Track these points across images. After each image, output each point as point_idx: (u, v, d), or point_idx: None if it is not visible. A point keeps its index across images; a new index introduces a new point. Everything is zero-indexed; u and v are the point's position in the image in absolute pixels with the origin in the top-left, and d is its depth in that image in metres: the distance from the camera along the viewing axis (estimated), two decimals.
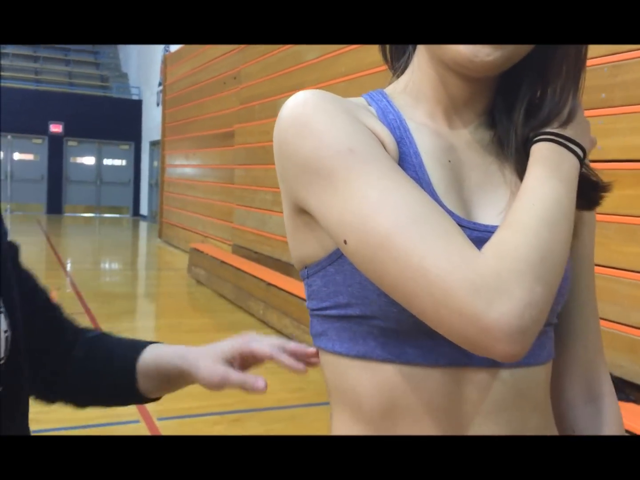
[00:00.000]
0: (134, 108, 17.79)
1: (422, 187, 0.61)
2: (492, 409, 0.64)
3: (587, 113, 2.57)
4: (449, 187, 0.65)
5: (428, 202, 0.58)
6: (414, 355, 0.62)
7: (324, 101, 0.62)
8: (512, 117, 0.67)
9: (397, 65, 0.74)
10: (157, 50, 14.48)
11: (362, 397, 0.65)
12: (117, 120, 17.51)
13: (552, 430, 0.72)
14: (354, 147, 0.59)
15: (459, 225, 0.60)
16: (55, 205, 17.53)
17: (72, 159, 17.97)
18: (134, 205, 18.24)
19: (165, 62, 11.91)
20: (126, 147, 18.17)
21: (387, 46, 0.75)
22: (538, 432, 0.68)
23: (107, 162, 18.26)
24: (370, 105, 0.69)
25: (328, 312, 0.66)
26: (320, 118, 0.60)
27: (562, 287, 0.66)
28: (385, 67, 0.76)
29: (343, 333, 0.65)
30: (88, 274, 8.24)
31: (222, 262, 6.67)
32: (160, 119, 12.14)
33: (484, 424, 0.64)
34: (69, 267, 8.86)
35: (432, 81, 0.68)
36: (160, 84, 13.14)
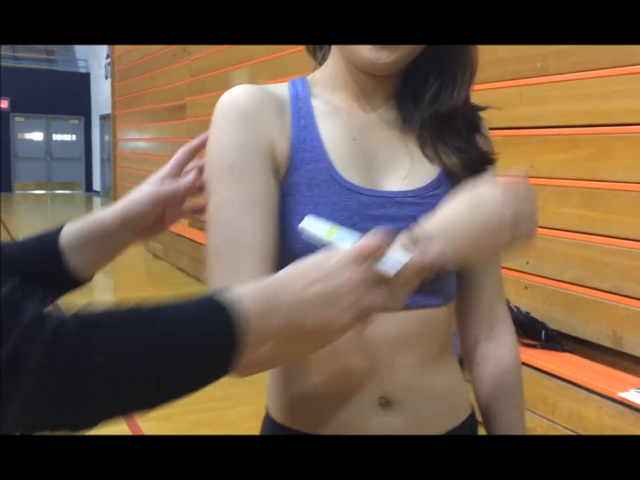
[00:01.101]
0: (82, 81, 17.39)
1: (322, 165, 0.76)
2: (400, 342, 0.78)
3: (523, 82, 2.75)
4: (352, 162, 0.79)
5: (247, 233, 0.72)
6: None
7: (234, 109, 0.75)
8: (418, 99, 0.81)
9: (320, 54, 0.87)
10: None
11: None
12: (65, 94, 17.12)
13: (450, 356, 0.86)
14: (233, 165, 0.74)
15: (358, 192, 0.76)
16: (4, 183, 17.11)
17: (19, 135, 17.55)
18: (87, 181, 17.97)
19: None
20: (75, 121, 17.81)
21: None
22: (440, 356, 0.83)
23: (56, 137, 17.90)
24: (289, 91, 0.81)
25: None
26: (221, 130, 0.75)
27: None
28: None
29: None
30: None
31: (179, 235, 6.71)
32: (110, 92, 11.96)
33: (394, 353, 0.78)
34: None
35: (344, 74, 0.81)
36: (108, 57, 12.89)
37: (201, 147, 0.84)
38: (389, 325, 0.77)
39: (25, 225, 11.16)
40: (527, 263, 3.17)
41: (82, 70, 17.89)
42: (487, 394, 0.89)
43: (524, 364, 2.78)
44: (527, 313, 3.09)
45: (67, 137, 17.98)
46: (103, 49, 14.34)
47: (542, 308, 3.12)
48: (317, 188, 0.76)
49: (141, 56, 9.74)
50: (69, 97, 17.18)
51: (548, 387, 2.72)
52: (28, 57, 18.18)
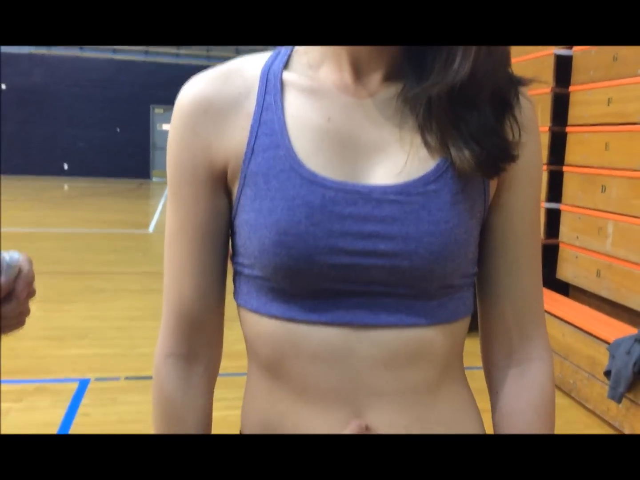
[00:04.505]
0: None
1: (281, 152, 0.66)
2: (382, 363, 0.67)
3: None
4: (321, 148, 0.66)
5: (174, 260, 0.73)
6: (298, 312, 0.67)
7: (177, 114, 0.70)
8: (424, 70, 0.65)
9: None
10: None
11: (257, 346, 0.71)
12: None
13: (456, 384, 0.73)
14: (171, 183, 0.71)
15: (323, 185, 0.65)
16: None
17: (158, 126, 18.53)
18: None
19: None
20: None
21: None
22: (438, 385, 0.70)
23: None
24: (265, 62, 0.71)
25: (235, 266, 0.73)
26: (169, 139, 0.72)
27: (449, 251, 0.66)
28: None
29: (244, 287, 0.71)
30: None
31: None
32: None
33: (375, 376, 0.67)
34: None
35: None
36: None
37: None
38: (368, 343, 0.66)
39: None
40: None
41: None
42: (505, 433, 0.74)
43: None
44: None
45: None
46: None
47: None
48: (274, 179, 0.65)
49: None
50: None
51: None
52: None
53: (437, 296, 0.68)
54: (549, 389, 0.74)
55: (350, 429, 0.65)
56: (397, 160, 0.67)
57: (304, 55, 0.71)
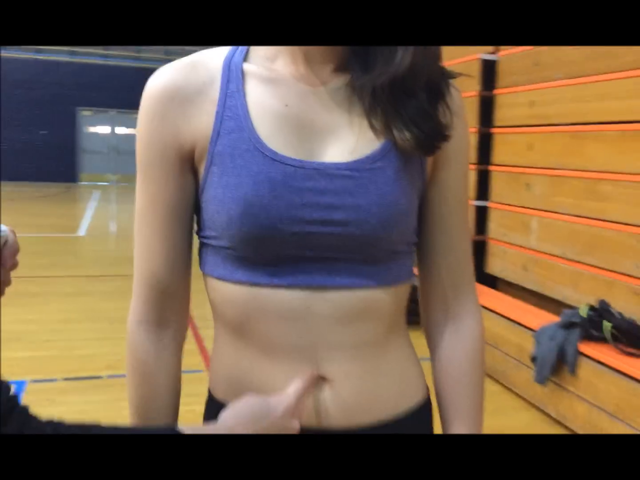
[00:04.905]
0: None
1: (245, 134, 0.74)
2: (338, 320, 0.76)
3: None
4: (281, 130, 0.75)
5: (144, 237, 0.80)
6: (262, 277, 0.75)
7: (146, 101, 0.77)
8: (369, 63, 0.74)
9: None
10: None
11: (224, 309, 0.79)
12: None
13: (402, 338, 0.83)
14: (140, 164, 0.78)
15: (283, 162, 0.73)
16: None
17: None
18: None
19: None
20: None
21: None
22: (386, 338, 0.80)
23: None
24: (225, 55, 0.78)
25: (201, 239, 0.80)
26: (138, 123, 0.78)
27: (394, 220, 0.75)
28: None
29: (210, 257, 0.79)
30: None
31: None
32: None
33: (332, 332, 0.76)
34: None
35: None
36: None
37: None
38: (325, 303, 0.75)
39: None
40: (638, 267, 2.93)
41: None
42: (442, 382, 0.86)
43: (622, 373, 2.60)
44: (633, 321, 2.87)
45: None
46: None
47: None
48: (240, 158, 0.73)
49: None
50: None
51: None
52: None
53: (384, 261, 0.77)
54: (480, 340, 0.86)
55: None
56: (347, 141, 0.76)
57: (261, 49, 0.79)
